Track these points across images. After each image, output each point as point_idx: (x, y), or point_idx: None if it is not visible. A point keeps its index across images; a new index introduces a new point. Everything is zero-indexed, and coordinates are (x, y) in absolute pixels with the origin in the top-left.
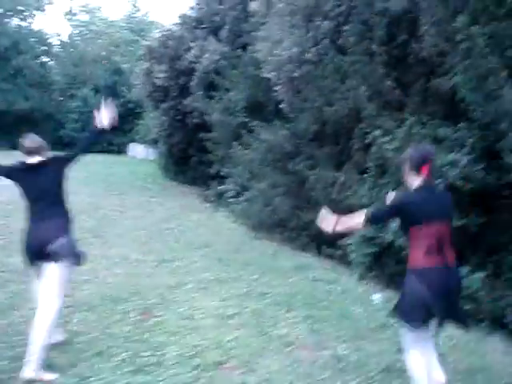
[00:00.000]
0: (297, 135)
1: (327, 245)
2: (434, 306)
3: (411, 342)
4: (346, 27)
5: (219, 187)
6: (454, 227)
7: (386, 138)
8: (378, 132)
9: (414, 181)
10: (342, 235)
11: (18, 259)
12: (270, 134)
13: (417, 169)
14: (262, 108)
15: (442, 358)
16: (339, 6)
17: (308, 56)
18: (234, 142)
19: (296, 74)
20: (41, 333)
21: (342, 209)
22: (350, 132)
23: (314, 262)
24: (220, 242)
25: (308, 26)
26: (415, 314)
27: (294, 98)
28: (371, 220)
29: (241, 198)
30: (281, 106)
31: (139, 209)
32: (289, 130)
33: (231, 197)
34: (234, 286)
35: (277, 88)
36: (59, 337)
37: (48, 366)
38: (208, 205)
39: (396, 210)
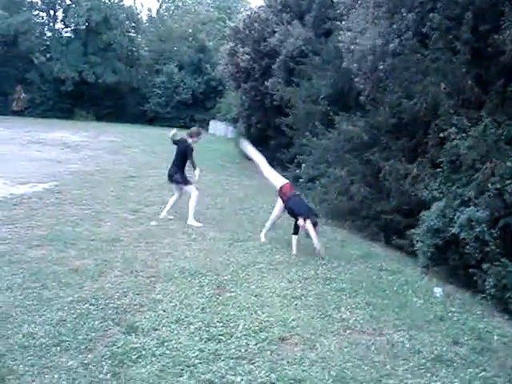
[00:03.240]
0: (374, 126)
1: (395, 235)
2: None
3: None
4: (429, 20)
5: (296, 171)
6: None
7: (460, 136)
8: (453, 129)
9: None
10: (411, 226)
11: (106, 228)
12: (349, 123)
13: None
14: (342, 98)
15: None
16: None
17: (391, 47)
18: (313, 129)
19: (379, 66)
20: None
21: (414, 201)
22: (426, 126)
23: (381, 251)
24: (290, 226)
25: (392, 18)
26: None
27: (374, 90)
28: None
29: (316, 184)
30: (360, 97)
31: (217, 187)
32: (367, 121)
33: (307, 181)
34: (301, 270)
35: (357, 79)
36: None
37: (131, 327)
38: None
39: None
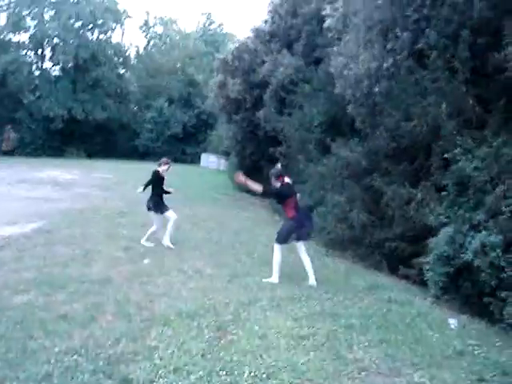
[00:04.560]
0: (372, 151)
1: (401, 264)
2: None
3: None
4: (426, 37)
5: None
6: None
7: (466, 157)
8: (458, 150)
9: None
10: (417, 254)
11: (97, 268)
12: (346, 149)
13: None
14: (336, 125)
15: None
16: (418, 11)
17: (385, 67)
18: (308, 157)
19: (374, 89)
20: None
21: (419, 227)
22: (427, 149)
23: (387, 281)
24: (291, 258)
25: (385, 39)
26: None
27: (370, 115)
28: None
29: (313, 213)
30: (356, 123)
31: (211, 220)
32: (364, 146)
33: None
34: (306, 305)
35: (351, 105)
36: None
37: (125, 380)
38: (278, 218)
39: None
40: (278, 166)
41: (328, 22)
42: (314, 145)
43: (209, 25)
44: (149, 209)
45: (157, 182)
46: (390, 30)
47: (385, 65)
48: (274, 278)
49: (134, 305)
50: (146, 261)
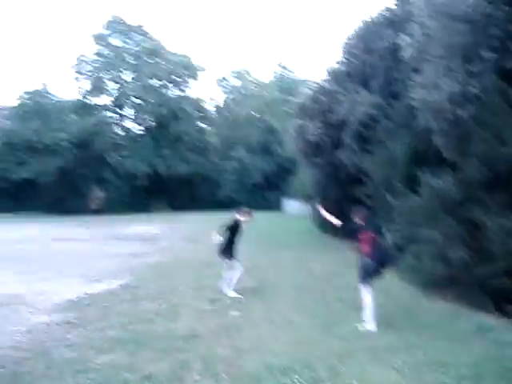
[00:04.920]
0: (464, 181)
1: (508, 302)
2: None
3: None
4: None
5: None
6: None
7: None
8: None
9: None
10: None
11: (182, 323)
12: (438, 181)
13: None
14: (422, 157)
15: None
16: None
17: (472, 91)
18: (394, 193)
19: (460, 113)
20: None
21: None
22: None
23: (495, 323)
24: (387, 302)
25: (469, 63)
26: None
27: (458, 143)
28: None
29: (405, 253)
30: (444, 154)
31: (297, 265)
32: (456, 176)
33: (395, 251)
34: (409, 353)
35: (436, 137)
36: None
37: None
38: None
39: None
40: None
41: (405, 53)
42: (400, 179)
43: (284, 72)
44: (225, 256)
45: (235, 230)
46: (473, 53)
47: (471, 88)
48: (371, 326)
49: (222, 362)
50: (233, 313)
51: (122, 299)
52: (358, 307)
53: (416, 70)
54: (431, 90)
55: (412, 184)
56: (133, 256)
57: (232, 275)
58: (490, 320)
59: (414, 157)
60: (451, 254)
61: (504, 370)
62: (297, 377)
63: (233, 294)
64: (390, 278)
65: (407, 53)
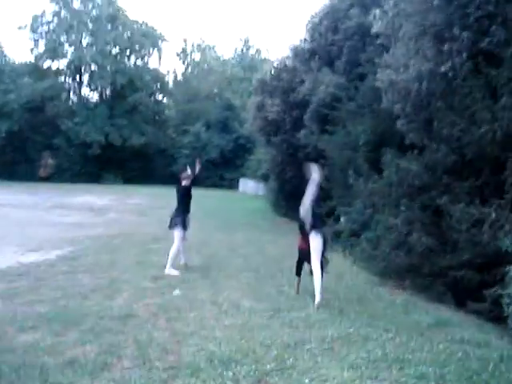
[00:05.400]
0: (429, 166)
1: (468, 296)
2: None
3: None
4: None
5: (336, 226)
6: None
7: None
8: None
9: None
10: (490, 284)
11: (119, 301)
12: (402, 164)
13: None
14: (384, 143)
15: None
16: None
17: (443, 70)
18: (354, 177)
19: (428, 94)
20: None
21: (491, 253)
22: (497, 161)
23: (453, 316)
24: (339, 289)
25: (441, 43)
26: None
27: (424, 125)
28: None
29: (361, 238)
30: (409, 137)
31: (250, 246)
32: (421, 160)
33: (349, 236)
34: (364, 348)
35: (400, 121)
36: None
37: None
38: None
39: None
40: None
41: (376, 27)
42: (361, 163)
43: (246, 50)
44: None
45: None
46: (446, 32)
47: (442, 68)
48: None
49: (158, 347)
50: (175, 292)
51: (58, 271)
52: (310, 292)
53: (385, 50)
54: (399, 70)
55: (373, 168)
56: (77, 226)
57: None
58: (448, 314)
59: (376, 140)
60: (412, 241)
61: (467, 372)
62: (238, 368)
63: (173, 272)
64: (343, 263)
65: (378, 27)
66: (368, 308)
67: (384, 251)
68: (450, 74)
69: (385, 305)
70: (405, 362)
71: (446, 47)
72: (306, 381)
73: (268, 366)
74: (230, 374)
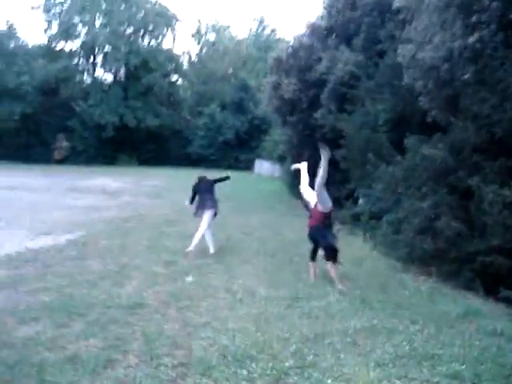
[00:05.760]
0: (456, 147)
1: (498, 282)
2: None
3: None
4: None
5: (355, 208)
6: None
7: None
8: None
9: None
10: None
11: (129, 289)
12: (426, 146)
13: None
14: (404, 122)
15: None
16: None
17: (471, 42)
18: (374, 159)
19: (458, 73)
20: None
21: None
22: None
23: (483, 306)
24: (360, 276)
25: (467, 16)
26: None
27: (450, 103)
28: None
29: (381, 221)
30: (431, 116)
31: (266, 229)
32: (446, 140)
33: (369, 219)
34: (391, 342)
35: (423, 98)
36: None
37: None
38: (340, 226)
39: None
40: None
41: (398, 1)
42: (382, 143)
43: (262, 30)
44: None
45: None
46: (474, 2)
47: (470, 39)
48: None
49: (167, 341)
50: (188, 278)
51: (67, 256)
52: (330, 278)
53: (406, 25)
54: (422, 45)
55: (394, 148)
56: (90, 209)
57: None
58: (478, 303)
59: (396, 118)
60: (439, 226)
61: (502, 369)
62: (253, 365)
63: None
64: (362, 247)
65: (400, 0)
66: (392, 296)
67: (407, 236)
68: (479, 46)
69: (409, 293)
70: (435, 359)
71: (473, 19)
72: (329, 381)
73: (286, 364)
74: (245, 372)
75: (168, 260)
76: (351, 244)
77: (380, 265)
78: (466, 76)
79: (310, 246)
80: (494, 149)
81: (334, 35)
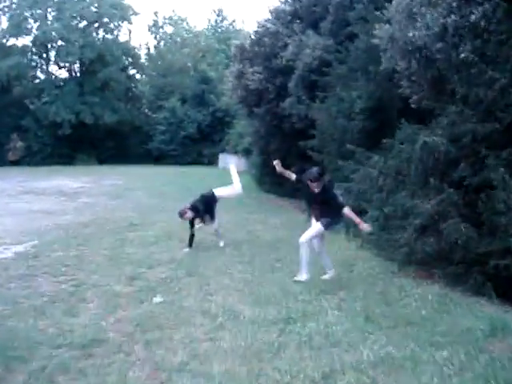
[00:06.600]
0: (454, 135)
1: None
2: None
3: None
4: None
5: None
6: None
7: None
8: None
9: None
10: None
11: (84, 318)
12: (427, 134)
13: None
14: (384, 106)
15: None
16: None
17: (474, 18)
18: (354, 150)
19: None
20: None
21: None
22: None
23: (506, 315)
24: (355, 282)
25: None
26: None
27: (440, 85)
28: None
29: (367, 217)
30: (413, 101)
31: (239, 230)
32: (445, 130)
33: None
34: (418, 379)
35: (405, 82)
36: None
37: None
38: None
39: None
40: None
41: None
42: (358, 132)
43: (220, 21)
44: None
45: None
46: None
47: (472, 17)
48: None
49: None
50: (156, 299)
51: (12, 275)
52: (326, 290)
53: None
54: (406, 24)
55: (372, 137)
56: (45, 214)
57: None
58: (500, 313)
59: (374, 106)
60: (450, 229)
61: None
62: None
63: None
64: (347, 247)
65: None
66: (397, 309)
67: (407, 238)
68: (483, 24)
69: (416, 304)
70: None
71: None
72: None
73: None
74: None
75: (131, 275)
76: (334, 242)
77: (373, 267)
78: (463, 55)
79: (290, 249)
80: (497, 138)
81: (299, 20)
